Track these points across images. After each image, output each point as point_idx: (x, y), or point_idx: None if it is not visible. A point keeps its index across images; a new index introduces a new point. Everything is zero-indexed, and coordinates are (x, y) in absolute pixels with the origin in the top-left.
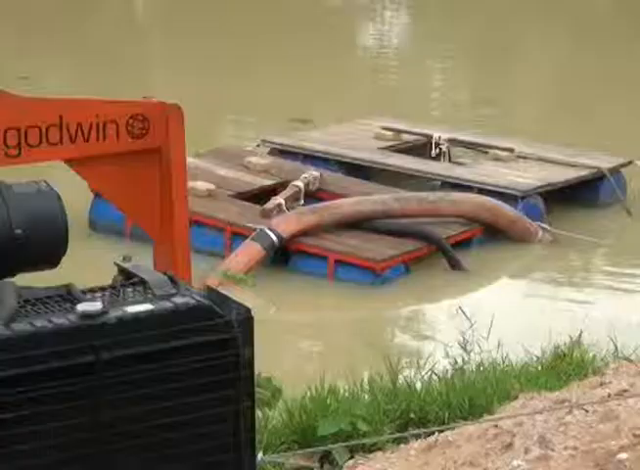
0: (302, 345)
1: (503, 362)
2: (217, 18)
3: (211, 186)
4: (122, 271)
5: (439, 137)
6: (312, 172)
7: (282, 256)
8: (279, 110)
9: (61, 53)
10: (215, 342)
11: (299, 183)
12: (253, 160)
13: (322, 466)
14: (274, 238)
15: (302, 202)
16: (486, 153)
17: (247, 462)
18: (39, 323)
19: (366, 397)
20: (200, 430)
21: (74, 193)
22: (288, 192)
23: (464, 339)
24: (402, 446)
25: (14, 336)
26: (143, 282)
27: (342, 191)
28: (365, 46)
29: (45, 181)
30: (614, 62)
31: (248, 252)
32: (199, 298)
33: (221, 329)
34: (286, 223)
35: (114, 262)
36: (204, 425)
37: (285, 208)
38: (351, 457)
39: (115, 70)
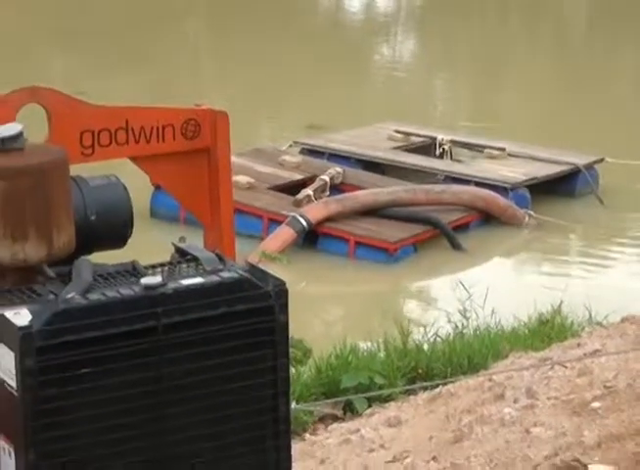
0: (328, 313)
1: (496, 327)
2: (254, 39)
3: (251, 180)
4: (178, 250)
5: (442, 139)
6: (336, 168)
7: (311, 238)
8: (299, 117)
9: (120, 69)
10: (255, 310)
11: (325, 177)
12: (286, 158)
13: (345, 413)
14: (304, 223)
15: (328, 193)
16: (482, 152)
17: (283, 409)
18: (110, 294)
19: (381, 355)
20: (243, 383)
21: (138, 186)
22: (316, 185)
23: (463, 308)
24: (412, 396)
25: (89, 305)
26: (195, 259)
27: (361, 184)
28: (377, 61)
29: (114, 175)
30: (588, 74)
31: (282, 235)
32: (241, 272)
33: (260, 299)
34: (314, 211)
35: (172, 243)
36: (246, 379)
37: (313, 198)
38: (369, 406)
39: (169, 83)
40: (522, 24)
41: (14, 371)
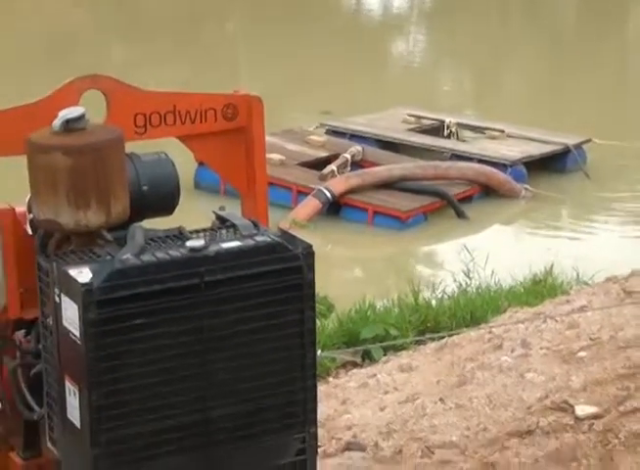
0: (349, 273)
1: (495, 286)
2: (284, 35)
3: (282, 157)
4: (218, 218)
5: (449, 121)
6: (356, 147)
7: (334, 208)
8: (321, 103)
9: (169, 59)
10: (286, 269)
11: (347, 155)
12: (313, 138)
13: (363, 361)
14: (328, 195)
15: (349, 168)
16: (484, 133)
17: (310, 356)
18: (159, 255)
19: (395, 310)
20: (275, 333)
21: (184, 161)
22: (339, 161)
23: (467, 269)
24: (421, 346)
25: (141, 264)
26: (233, 225)
27: (378, 161)
28: (392, 54)
29: (164, 152)
30: (577, 61)
31: (309, 205)
32: (274, 237)
33: (290, 260)
34: (337, 184)
35: (213, 211)
36: (278, 330)
37: (336, 173)
38: (385, 354)
39: (212, 72)
40: (520, 21)
41: (77, 322)
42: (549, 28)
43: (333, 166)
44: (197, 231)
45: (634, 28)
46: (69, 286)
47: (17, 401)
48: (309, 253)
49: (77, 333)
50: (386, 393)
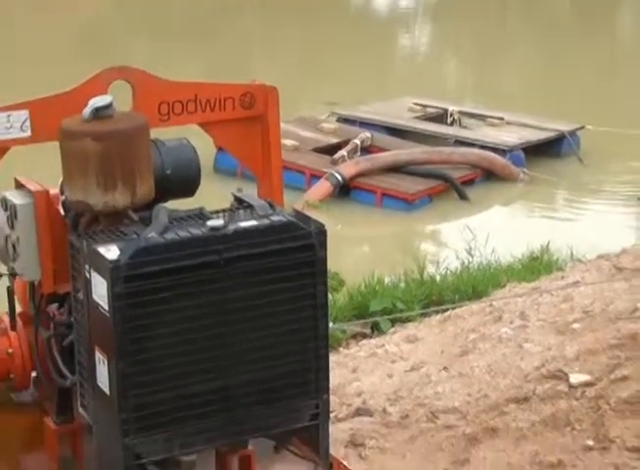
0: (359, 250)
1: (495, 263)
2: (297, 29)
3: (296, 143)
4: (236, 199)
5: (452, 110)
6: (366, 134)
7: (345, 190)
8: (331, 92)
9: (191, 51)
10: (300, 247)
11: (357, 141)
12: (325, 125)
13: (372, 332)
14: (339, 178)
15: (359, 153)
16: (484, 120)
17: (322, 327)
18: (182, 234)
19: (402, 285)
20: (289, 306)
21: (204, 147)
22: (349, 147)
23: (469, 247)
24: (426, 318)
25: (165, 242)
26: (250, 206)
27: (386, 146)
28: (399, 47)
29: (186, 138)
30: (571, 54)
31: (321, 187)
32: (288, 217)
33: (303, 238)
34: (348, 168)
35: (231, 193)
36: (292, 303)
37: (347, 158)
38: (392, 326)
39: (230, 63)
40: (517, 17)
41: (106, 296)
42: (544, 24)
43: (343, 152)
44: (216, 211)
45: (623, 23)
46: (99, 263)
47: (50, 370)
48: (322, 231)
49: (106, 306)
50: (393, 362)
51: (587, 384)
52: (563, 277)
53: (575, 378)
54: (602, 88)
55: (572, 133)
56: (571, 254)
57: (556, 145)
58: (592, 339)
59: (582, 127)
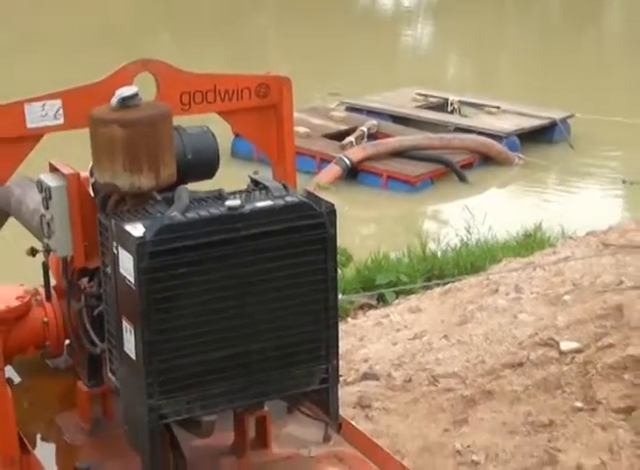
0: (365, 228)
1: (492, 240)
2: (309, 25)
3: (308, 130)
4: (253, 181)
5: (453, 99)
6: (372, 121)
7: (352, 173)
8: (334, 85)
9: (210, 45)
10: (311, 225)
11: (364, 128)
12: (335, 113)
13: (378, 303)
14: (348, 162)
15: (366, 140)
16: (482, 109)
17: (332, 299)
18: (202, 213)
19: (406, 260)
20: (302, 279)
21: (222, 133)
22: (356, 134)
23: (467, 225)
24: (428, 291)
25: (187, 221)
26: (266, 187)
27: (391, 133)
28: (402, 41)
29: (206, 126)
30: (563, 47)
31: (331, 171)
32: (301, 197)
33: (315, 217)
34: (355, 153)
35: (248, 176)
36: (304, 277)
37: (355, 143)
38: (397, 298)
39: (247, 56)
40: (513, 13)
41: (132, 270)
42: (538, 22)
43: (351, 138)
44: (234, 193)
45: (610, 22)
46: (125, 239)
47: (82, 338)
48: (332, 211)
49: (132, 279)
50: (397, 330)
51: (576, 351)
52: (554, 253)
53: (565, 345)
54: (591, 80)
55: (564, 121)
56: (562, 231)
57: (548, 132)
58: (581, 310)
59: (572, 115)
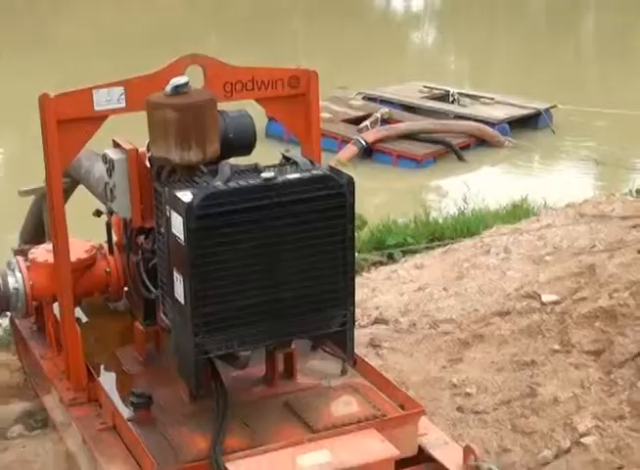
0: (377, 198)
1: (485, 209)
2: (332, 26)
3: (330, 115)
4: (284, 157)
5: (453, 91)
6: (385, 109)
7: (368, 152)
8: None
9: (249, 42)
10: (334, 194)
11: (378, 114)
12: (353, 102)
13: (388, 260)
14: (364, 143)
15: (379, 124)
16: (478, 100)
17: (350, 256)
18: (242, 183)
19: (412, 225)
20: (326, 240)
21: (258, 116)
22: (372, 119)
23: (465, 196)
24: (430, 251)
25: (228, 189)
26: (295, 163)
27: (401, 119)
28: (411, 41)
29: (245, 110)
30: (548, 47)
31: (349, 150)
32: (325, 171)
33: (337, 187)
34: (370, 135)
35: (280, 152)
36: (327, 237)
37: (370, 127)
38: (404, 256)
39: (279, 53)
40: (505, 17)
41: (182, 230)
42: (526, 24)
43: (367, 122)
44: (268, 166)
45: (588, 24)
46: (177, 204)
47: (139, 285)
48: (351, 183)
49: (182, 237)
50: (404, 283)
51: (555, 302)
52: (538, 220)
53: (546, 298)
54: (571, 76)
55: (547, 110)
56: (545, 203)
57: (534, 119)
58: (560, 268)
59: (555, 106)
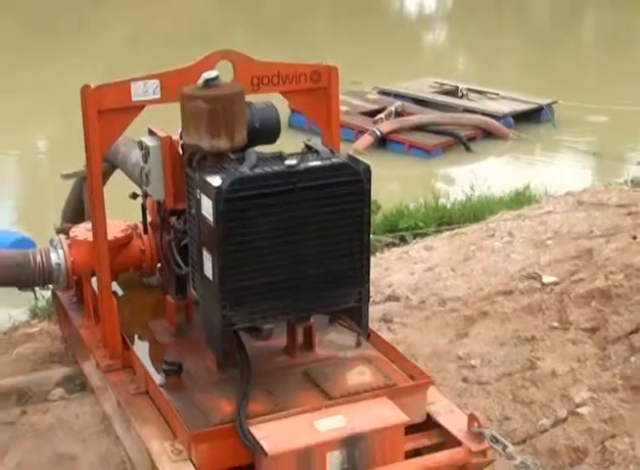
0: (391, 185)
1: (490, 196)
2: (347, 28)
3: (348, 108)
4: (306, 146)
5: (462, 87)
6: (398, 103)
7: (382, 142)
8: (378, 74)
9: (273, 42)
10: (351, 181)
11: (392, 108)
12: (369, 96)
13: (400, 242)
14: (379, 133)
15: (393, 116)
16: (485, 95)
17: (366, 238)
18: (267, 169)
19: (422, 210)
20: (344, 222)
21: (282, 108)
22: (386, 112)
23: (471, 184)
24: (439, 234)
25: (254, 175)
26: (316, 151)
27: (413, 112)
28: (423, 40)
29: (270, 102)
30: (551, 45)
31: (366, 140)
32: (343, 159)
33: (354, 174)
34: (385, 126)
35: (303, 142)
36: (345, 219)
37: (384, 119)
38: (414, 239)
39: (302, 50)
40: (511, 18)
41: (211, 212)
42: (531, 24)
43: (382, 115)
44: (291, 154)
45: (589, 25)
46: (207, 188)
47: (170, 262)
48: (368, 170)
49: (211, 219)
50: (414, 263)
51: (554, 283)
52: (539, 207)
53: (546, 278)
54: (571, 73)
55: (549, 106)
56: (546, 191)
57: (536, 114)
58: (559, 251)
59: (556, 102)
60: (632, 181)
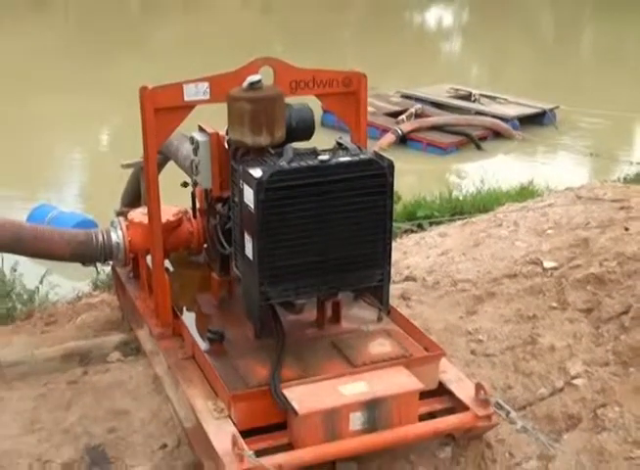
0: (410, 179)
1: (498, 189)
2: (376, 35)
3: (374, 109)
4: (338, 143)
5: (475, 92)
6: (418, 105)
7: (403, 140)
8: (399, 78)
9: (307, 49)
10: (377, 174)
11: (412, 110)
12: (392, 99)
13: (417, 229)
14: (400, 132)
15: (413, 117)
16: (495, 99)
17: (388, 225)
18: (302, 163)
19: (437, 201)
20: (369, 212)
21: (316, 109)
22: (407, 113)
23: (482, 178)
24: (453, 223)
25: (291, 168)
26: (346, 148)
27: (431, 114)
28: (440, 49)
29: (306, 103)
30: (555, 55)
31: (389, 138)
32: (370, 155)
33: (380, 169)
34: (406, 126)
35: (335, 139)
36: (370, 209)
37: (405, 120)
38: (430, 226)
39: (333, 58)
40: (518, 30)
41: (252, 200)
42: (537, 36)
43: (403, 116)
44: (324, 150)
45: (591, 35)
46: (249, 179)
47: (216, 243)
48: (391, 165)
49: (252, 206)
50: (430, 248)
51: (554, 268)
52: (542, 200)
53: (547, 264)
54: (573, 81)
55: (551, 110)
56: (548, 186)
57: (540, 117)
58: (559, 240)
59: (558, 107)
60: (625, 179)
